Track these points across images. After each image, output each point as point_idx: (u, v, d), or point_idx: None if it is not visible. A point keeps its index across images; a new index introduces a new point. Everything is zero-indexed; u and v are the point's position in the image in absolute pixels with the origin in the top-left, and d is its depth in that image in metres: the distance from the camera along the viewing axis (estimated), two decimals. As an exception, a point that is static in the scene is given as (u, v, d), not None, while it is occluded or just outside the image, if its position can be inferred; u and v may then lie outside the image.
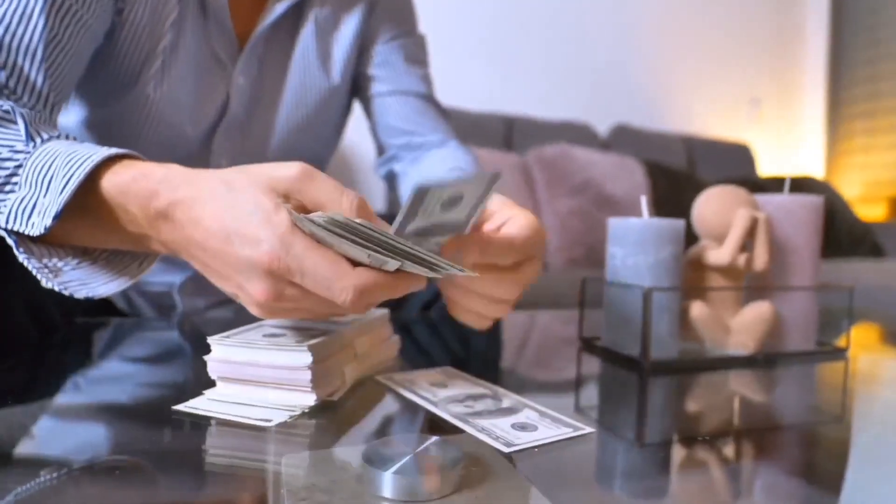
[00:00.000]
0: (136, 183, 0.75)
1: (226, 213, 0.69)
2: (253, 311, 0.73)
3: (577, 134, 4.36)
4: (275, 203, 0.68)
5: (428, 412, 0.76)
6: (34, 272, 0.82)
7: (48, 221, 0.77)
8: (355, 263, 0.69)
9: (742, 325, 1.12)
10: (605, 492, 0.62)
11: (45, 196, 0.79)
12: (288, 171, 0.72)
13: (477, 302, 0.90)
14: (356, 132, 1.91)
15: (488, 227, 0.91)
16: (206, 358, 0.78)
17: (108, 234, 0.81)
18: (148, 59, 1.15)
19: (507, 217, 0.90)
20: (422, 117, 1.47)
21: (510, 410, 0.77)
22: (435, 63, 1.56)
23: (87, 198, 0.77)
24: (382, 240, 0.66)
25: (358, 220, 0.65)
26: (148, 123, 1.19)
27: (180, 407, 0.74)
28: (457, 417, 0.74)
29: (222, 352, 0.78)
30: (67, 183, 0.76)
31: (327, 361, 0.78)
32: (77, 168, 0.77)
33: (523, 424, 0.72)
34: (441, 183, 0.69)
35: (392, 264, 0.68)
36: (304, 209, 0.71)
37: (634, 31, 5.01)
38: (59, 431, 0.72)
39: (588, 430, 0.72)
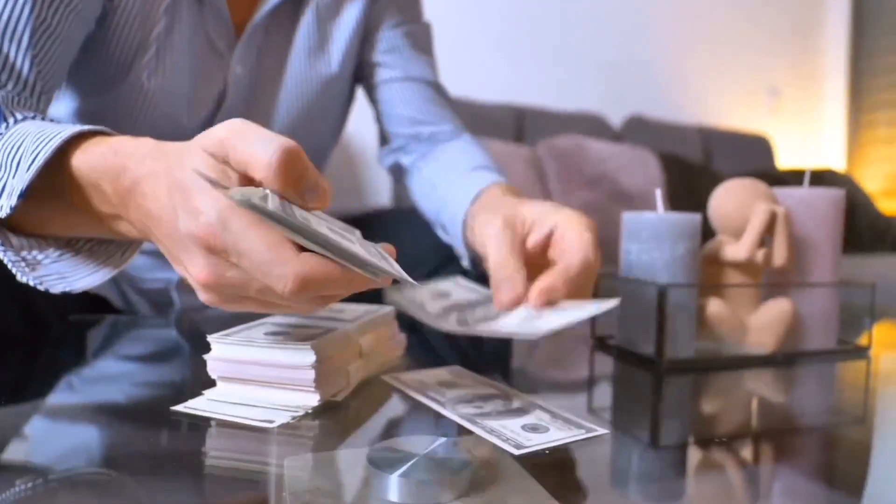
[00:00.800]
0: (106, 159, 0.73)
1: (176, 184, 0.65)
2: (200, 296, 0.68)
3: (591, 125, 4.35)
4: (219, 170, 0.64)
5: (435, 413, 0.76)
6: (9, 266, 0.82)
7: (13, 201, 0.76)
8: (303, 250, 0.63)
9: (760, 324, 1.11)
10: (618, 495, 0.62)
11: (13, 177, 0.78)
12: (217, 132, 0.66)
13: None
14: (359, 122, 1.90)
15: (533, 238, 0.91)
16: (205, 357, 0.78)
17: (81, 216, 0.80)
18: (141, 46, 1.15)
19: (551, 225, 0.90)
20: (431, 105, 1.46)
21: (521, 411, 0.77)
22: (442, 51, 1.56)
23: (57, 178, 0.77)
24: (296, 225, 0.61)
25: (271, 206, 0.59)
26: (142, 114, 1.19)
27: (179, 408, 0.74)
28: (465, 418, 0.73)
29: (222, 350, 0.77)
30: (34, 160, 0.75)
31: (331, 360, 0.78)
32: (44, 145, 0.76)
33: (534, 426, 0.72)
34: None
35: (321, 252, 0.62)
36: (242, 177, 0.66)
37: (649, 19, 5.00)
38: (52, 434, 0.72)
39: (601, 431, 0.71)
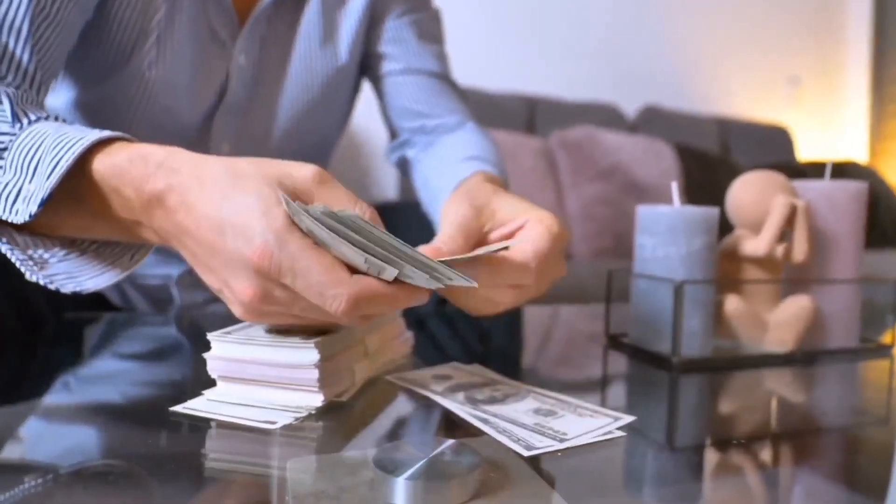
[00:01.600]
0: (133, 164, 0.74)
1: (223, 201, 0.68)
2: (236, 310, 0.72)
3: (604, 116, 4.35)
4: (277, 197, 0.67)
5: (444, 413, 0.76)
6: (17, 264, 0.82)
7: (33, 208, 0.76)
8: (353, 271, 0.67)
9: (780, 321, 1.11)
10: (632, 499, 0.62)
11: (30, 181, 0.78)
12: (301, 170, 0.71)
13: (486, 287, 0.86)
14: (366, 114, 1.90)
15: (501, 231, 0.90)
16: (205, 355, 0.78)
17: (98, 221, 0.80)
18: (140, 35, 1.14)
19: (522, 222, 0.89)
20: (437, 98, 1.46)
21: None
22: (451, 39, 1.56)
23: (76, 182, 0.77)
24: (381, 239, 0.67)
25: (357, 215, 0.66)
26: (142, 105, 1.19)
27: (178, 408, 0.75)
28: (475, 417, 0.73)
29: (223, 349, 0.77)
30: (55, 167, 0.75)
31: (336, 359, 0.78)
32: (66, 151, 0.76)
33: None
34: None
35: (390, 272, 0.67)
36: None
37: (665, 6, 4.99)
38: (48, 434, 0.72)
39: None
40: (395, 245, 0.67)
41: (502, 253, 0.82)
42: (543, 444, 0.66)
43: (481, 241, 0.91)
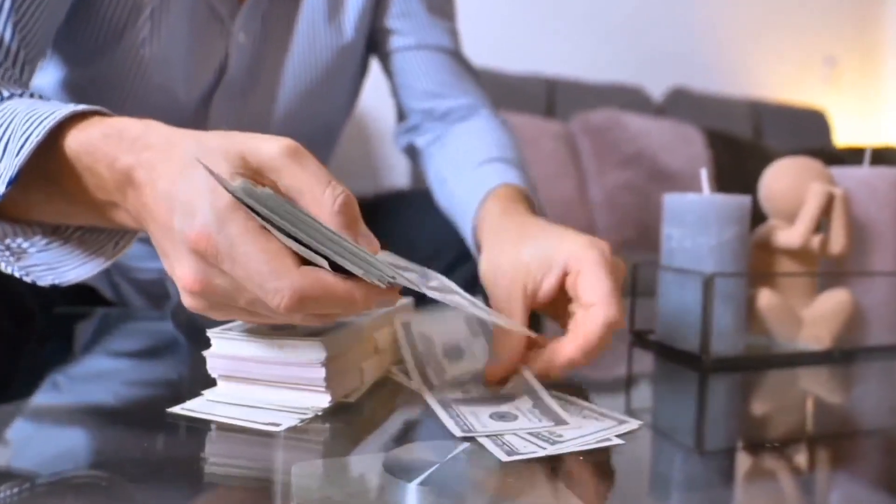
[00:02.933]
0: (108, 140, 0.72)
1: (180, 177, 0.65)
2: (184, 301, 0.69)
3: (629, 98, 4.34)
4: (231, 173, 0.65)
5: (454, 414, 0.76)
6: None
7: (1, 188, 0.75)
8: (305, 262, 0.63)
9: (816, 316, 1.11)
10: (659, 506, 0.62)
11: (0, 161, 0.77)
12: (269, 144, 0.67)
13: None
14: (375, 95, 1.90)
15: (546, 288, 0.88)
16: (204, 353, 0.78)
17: (73, 204, 0.79)
18: (134, 10, 1.14)
19: (563, 263, 0.86)
20: (449, 76, 1.44)
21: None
22: (465, 16, 1.55)
23: (49, 161, 0.76)
24: (309, 224, 0.62)
25: (271, 194, 0.62)
26: (136, 85, 1.18)
27: (176, 409, 0.74)
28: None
29: (224, 346, 0.77)
30: (24, 143, 0.74)
31: (343, 357, 0.78)
32: (36, 126, 0.74)
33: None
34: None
35: (321, 261, 0.62)
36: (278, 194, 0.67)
37: (693, -19, 4.99)
38: (36, 438, 0.72)
39: (634, 423, 0.72)
40: (326, 234, 0.63)
41: (577, 331, 0.82)
42: (528, 450, 0.65)
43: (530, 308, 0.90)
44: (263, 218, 0.61)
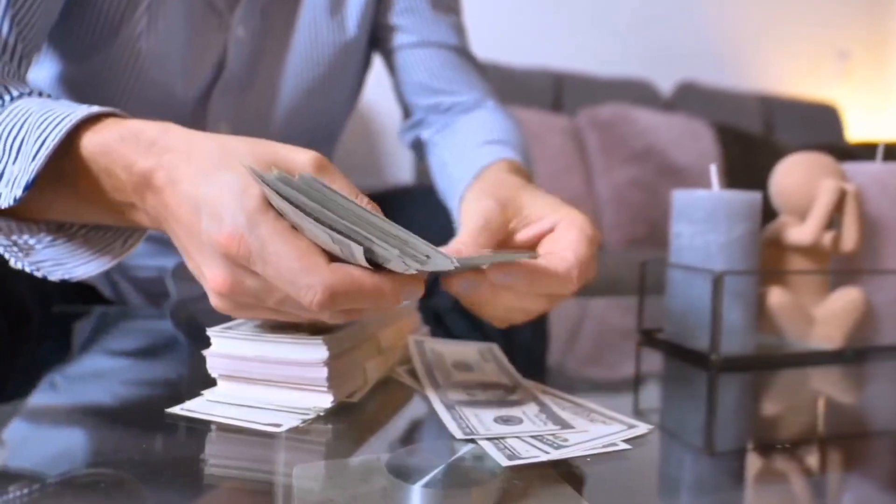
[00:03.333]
0: (125, 142, 0.73)
1: (205, 179, 0.67)
2: (212, 301, 0.71)
3: (637, 93, 4.34)
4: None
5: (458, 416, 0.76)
6: (1, 251, 0.82)
7: (18, 192, 0.76)
8: (333, 259, 0.65)
9: (828, 315, 1.11)
10: (667, 508, 0.62)
11: (14, 163, 0.77)
12: (298, 156, 0.69)
13: (509, 296, 0.83)
14: (378, 91, 1.90)
15: (528, 231, 0.89)
16: (204, 353, 0.77)
17: (88, 204, 0.80)
18: (130, 3, 1.14)
19: (552, 223, 0.87)
20: (453, 72, 1.44)
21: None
22: (470, 10, 1.55)
23: (63, 163, 0.76)
24: (345, 208, 0.64)
25: (312, 178, 0.64)
26: (132, 80, 1.18)
27: (175, 409, 0.74)
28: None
29: (224, 345, 0.77)
30: (41, 147, 0.75)
31: (346, 356, 0.78)
32: (52, 129, 0.75)
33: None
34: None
35: (355, 248, 0.62)
36: None
37: (703, -26, 4.98)
38: (33, 438, 0.72)
39: (643, 428, 0.71)
40: (361, 215, 0.64)
41: (541, 260, 0.81)
42: (530, 455, 0.64)
43: (506, 239, 0.90)
44: (298, 207, 0.62)
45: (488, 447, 0.65)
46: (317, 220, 0.62)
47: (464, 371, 0.88)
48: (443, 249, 0.75)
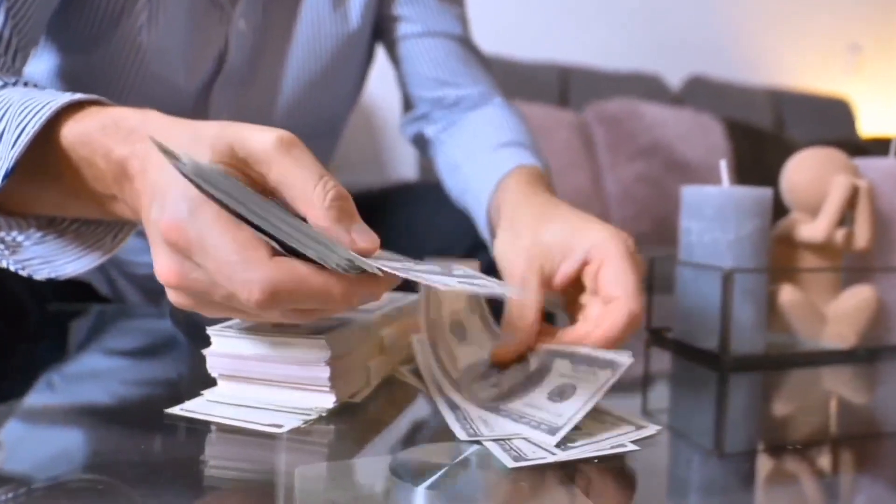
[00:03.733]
0: (105, 131, 0.73)
1: (164, 167, 0.64)
2: (168, 296, 0.68)
3: (645, 87, 4.34)
4: (211, 161, 0.64)
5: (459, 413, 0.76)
6: None
7: None
8: (278, 254, 0.62)
9: (840, 314, 1.11)
10: (676, 510, 0.62)
11: None
12: (260, 136, 0.66)
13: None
14: (380, 84, 1.89)
15: (562, 276, 0.88)
16: (204, 352, 0.77)
17: (74, 198, 0.79)
18: None
19: (584, 251, 0.86)
20: (458, 64, 1.43)
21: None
22: (475, 2, 1.55)
23: (44, 152, 0.76)
24: (261, 207, 0.61)
25: (220, 171, 0.61)
26: (132, 74, 1.18)
27: (174, 410, 0.74)
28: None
29: (224, 344, 0.77)
30: (21, 134, 0.74)
31: (349, 356, 0.77)
32: (32, 117, 0.74)
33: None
34: None
35: (273, 243, 0.61)
36: (260, 189, 0.66)
37: (712, -35, 4.98)
38: (29, 440, 0.72)
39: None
40: (280, 214, 0.62)
41: (607, 330, 0.81)
42: (536, 456, 0.63)
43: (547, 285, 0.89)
44: (213, 198, 0.60)
45: (494, 448, 0.64)
46: (231, 210, 0.60)
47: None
48: (497, 351, 0.77)
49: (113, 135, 0.72)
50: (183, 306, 0.68)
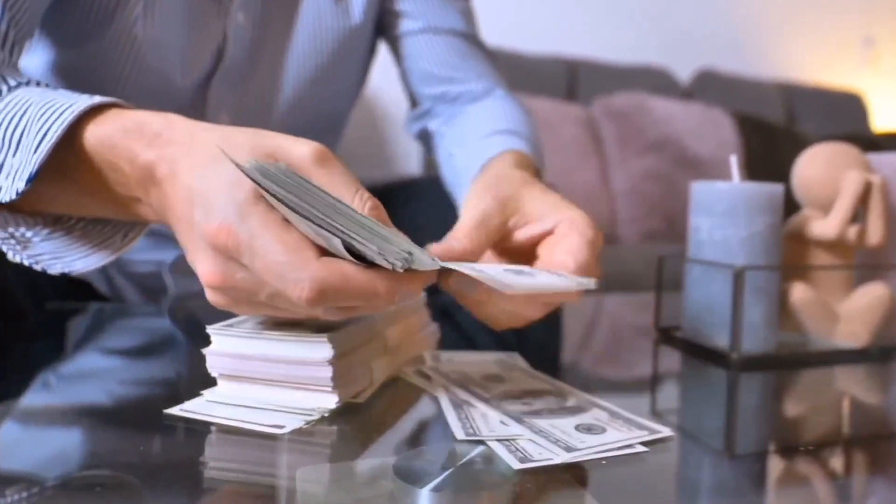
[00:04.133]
0: (128, 135, 0.74)
1: (202, 170, 0.67)
2: (208, 296, 0.70)
3: (654, 81, 4.34)
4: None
5: (466, 412, 0.75)
6: None
7: (20, 185, 0.76)
8: (326, 253, 0.64)
9: (852, 312, 1.10)
10: (686, 513, 0.62)
11: (14, 155, 0.78)
12: (298, 148, 0.69)
13: (506, 300, 0.83)
14: (383, 79, 1.89)
15: (527, 231, 0.88)
16: (204, 351, 0.77)
17: (90, 197, 0.80)
18: None
19: (551, 224, 0.87)
20: (462, 60, 1.43)
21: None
22: (480, -5, 1.55)
23: (66, 155, 0.76)
24: (328, 203, 0.64)
25: (286, 169, 0.64)
26: (128, 68, 1.17)
27: (174, 410, 0.74)
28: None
29: (224, 343, 0.77)
30: (43, 139, 0.75)
31: (352, 355, 0.77)
32: (55, 120, 0.75)
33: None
34: None
35: (336, 242, 0.62)
36: None
37: (722, -43, 4.97)
38: (26, 440, 0.72)
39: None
40: (340, 210, 0.64)
41: (540, 266, 0.82)
42: (543, 457, 0.63)
43: (504, 237, 0.89)
44: (277, 199, 0.61)
45: (499, 449, 0.64)
46: (295, 211, 0.61)
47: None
48: (435, 245, 0.76)
49: (136, 139, 0.73)
50: (220, 305, 0.70)
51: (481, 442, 0.66)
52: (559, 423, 0.71)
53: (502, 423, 0.71)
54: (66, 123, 0.74)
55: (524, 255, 0.89)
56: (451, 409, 0.74)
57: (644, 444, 0.68)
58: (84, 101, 0.76)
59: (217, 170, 0.66)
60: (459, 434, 0.67)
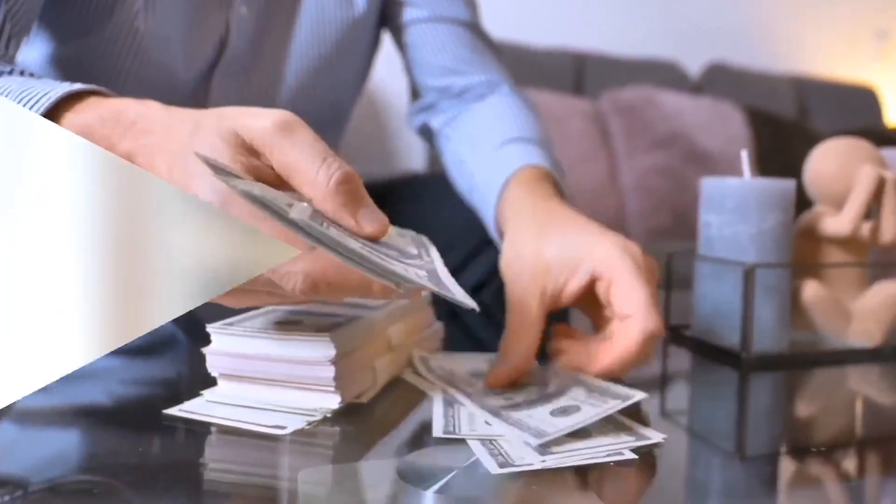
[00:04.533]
0: (104, 124, 0.73)
1: (177, 159, 0.67)
2: None
3: (663, 74, 4.33)
4: (232, 154, 0.65)
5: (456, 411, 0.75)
6: None
7: None
8: None
9: (866, 310, 1.10)
10: (696, 516, 0.62)
11: None
12: (260, 120, 0.67)
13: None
14: (387, 72, 1.89)
15: (571, 290, 0.87)
16: (204, 350, 0.77)
17: None
18: None
19: (589, 269, 0.85)
20: (467, 51, 1.42)
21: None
22: (486, -14, 1.55)
23: None
24: (306, 226, 0.60)
25: (276, 198, 0.60)
26: (130, 61, 1.18)
27: (173, 411, 0.74)
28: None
29: (225, 343, 0.77)
30: None
31: (355, 354, 0.77)
32: (30, 108, 0.75)
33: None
34: None
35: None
36: (272, 174, 0.67)
37: (733, -52, 4.97)
38: (21, 441, 0.72)
39: (657, 437, 0.70)
40: (323, 233, 0.61)
41: (622, 351, 0.82)
42: (523, 462, 0.62)
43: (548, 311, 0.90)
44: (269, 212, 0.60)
45: (479, 452, 0.64)
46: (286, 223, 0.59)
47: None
48: (490, 376, 0.81)
49: (113, 128, 0.73)
50: (219, 300, 0.69)
51: (462, 440, 0.66)
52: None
53: (486, 422, 0.71)
54: (41, 111, 0.74)
55: (589, 304, 0.91)
56: (441, 406, 0.75)
57: (634, 449, 0.67)
58: (61, 88, 0.76)
59: (193, 158, 0.64)
60: (438, 432, 0.67)
